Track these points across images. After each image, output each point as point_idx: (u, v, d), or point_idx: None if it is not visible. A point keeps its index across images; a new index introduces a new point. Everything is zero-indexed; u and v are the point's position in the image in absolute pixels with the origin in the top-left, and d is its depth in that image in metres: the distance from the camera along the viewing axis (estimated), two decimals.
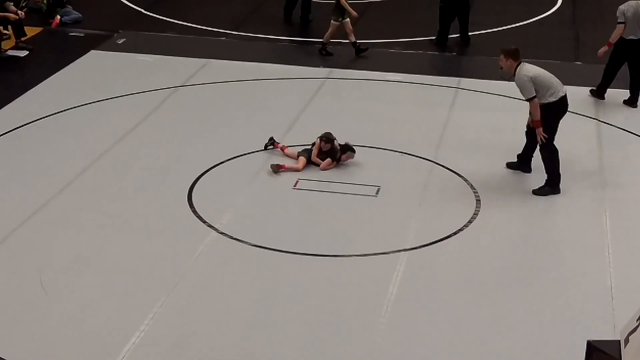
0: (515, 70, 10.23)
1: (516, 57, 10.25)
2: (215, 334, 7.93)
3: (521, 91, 10.25)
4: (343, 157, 11.07)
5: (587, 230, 9.82)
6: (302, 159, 11.04)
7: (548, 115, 10.29)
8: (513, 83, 10.51)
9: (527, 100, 10.26)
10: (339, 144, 11.12)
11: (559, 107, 10.38)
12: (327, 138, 11.06)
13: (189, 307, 8.30)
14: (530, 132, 10.67)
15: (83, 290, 8.51)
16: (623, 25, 12.89)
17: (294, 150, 11.26)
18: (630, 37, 13.00)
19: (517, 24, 17.14)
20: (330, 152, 11.04)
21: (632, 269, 9.04)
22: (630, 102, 13.33)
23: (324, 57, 15.04)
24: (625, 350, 5.93)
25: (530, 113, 10.43)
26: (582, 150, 11.56)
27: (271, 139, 11.49)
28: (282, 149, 11.36)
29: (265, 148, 11.42)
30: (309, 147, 11.19)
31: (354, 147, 11.16)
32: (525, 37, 16.49)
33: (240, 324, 8.08)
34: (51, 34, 16.25)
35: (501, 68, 10.37)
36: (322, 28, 15.71)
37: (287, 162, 11.04)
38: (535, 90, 10.17)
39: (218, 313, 8.23)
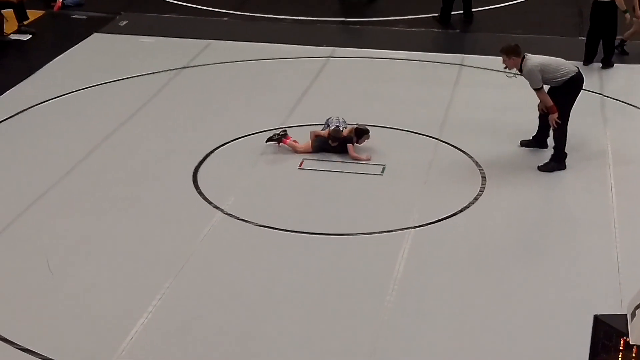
0: (521, 64, 10.23)
1: (518, 53, 10.25)
2: (222, 316, 7.94)
3: (530, 82, 10.27)
4: (360, 141, 10.89)
5: (593, 206, 9.81)
6: (307, 146, 10.85)
7: (564, 94, 10.35)
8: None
9: (535, 89, 10.27)
10: (353, 128, 10.92)
11: (574, 85, 10.41)
12: (335, 137, 10.81)
13: (196, 289, 8.32)
14: (544, 117, 10.67)
15: (89, 274, 8.53)
16: None
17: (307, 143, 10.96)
18: None
19: (520, 0, 17.06)
20: (347, 140, 10.82)
21: (638, 244, 9.03)
22: (605, 64, 13.48)
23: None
24: (632, 324, 5.93)
25: (541, 101, 10.46)
26: (587, 126, 11.53)
27: (284, 131, 11.06)
28: (294, 143, 10.93)
29: (271, 140, 10.94)
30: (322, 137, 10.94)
31: (366, 127, 10.99)
32: (528, 13, 16.43)
33: (246, 304, 8.09)
34: (53, 17, 16.22)
35: (505, 67, 10.36)
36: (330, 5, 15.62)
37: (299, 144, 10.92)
38: (548, 77, 10.24)
39: (225, 294, 8.24)
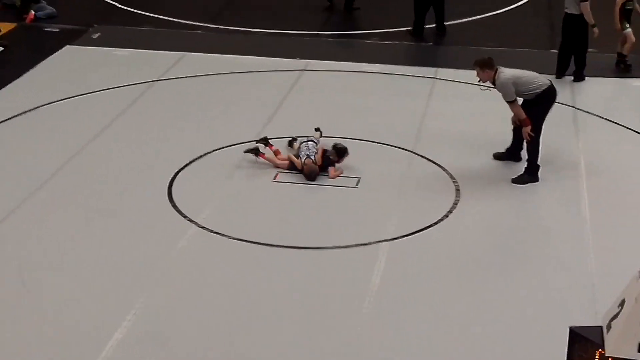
0: (495, 77, 10.29)
1: (491, 65, 10.32)
2: (198, 329, 7.90)
3: (503, 95, 10.34)
4: (340, 160, 10.75)
5: (567, 218, 9.87)
6: (286, 163, 10.74)
7: (537, 107, 10.42)
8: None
9: (508, 102, 10.34)
10: (324, 150, 10.77)
11: (547, 98, 10.49)
12: (311, 174, 10.53)
13: (170, 302, 8.27)
14: (517, 130, 10.73)
15: (63, 287, 8.46)
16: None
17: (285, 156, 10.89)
18: (570, 12, 13.50)
19: (493, 13, 17.18)
20: (326, 164, 10.66)
21: (612, 255, 9.09)
22: (576, 77, 13.63)
23: None
24: (607, 336, 5.97)
25: (514, 114, 10.52)
26: (560, 138, 11.61)
27: (265, 139, 11.00)
28: (276, 153, 10.87)
29: (249, 151, 10.89)
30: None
31: (345, 147, 10.82)
32: (501, 26, 16.56)
33: (222, 318, 8.06)
34: (26, 30, 16.11)
35: (479, 80, 10.43)
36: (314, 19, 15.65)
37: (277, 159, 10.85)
38: (521, 90, 10.31)
39: (200, 308, 8.20)
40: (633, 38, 13.90)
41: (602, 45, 14.73)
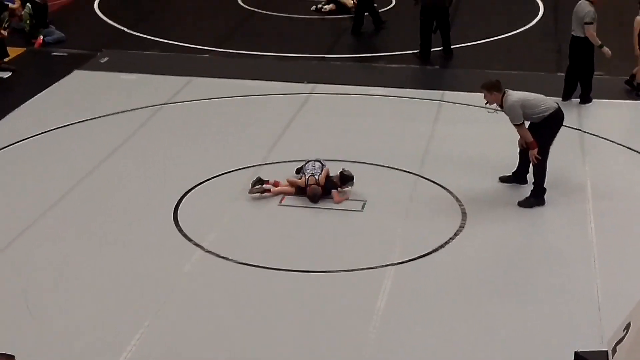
0: (502, 100, 10.31)
1: (499, 88, 10.33)
2: (203, 353, 7.89)
3: (511, 118, 10.34)
4: (343, 187, 10.71)
5: (573, 241, 9.85)
6: (292, 190, 10.72)
7: (544, 130, 10.43)
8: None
9: (515, 125, 10.34)
10: (328, 170, 10.77)
11: (554, 121, 10.50)
12: (313, 197, 10.54)
13: (176, 326, 8.27)
14: (524, 152, 10.74)
15: (70, 310, 8.47)
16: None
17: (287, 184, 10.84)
18: (576, 34, 13.53)
19: (500, 36, 17.22)
20: (329, 187, 10.67)
21: (618, 279, 9.06)
22: (583, 100, 13.60)
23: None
24: None
25: (521, 137, 10.53)
26: (566, 161, 11.60)
27: (259, 179, 10.78)
28: (275, 185, 10.79)
29: (253, 191, 10.68)
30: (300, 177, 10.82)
31: (351, 175, 10.78)
32: (508, 49, 16.59)
33: (228, 342, 8.05)
34: (34, 54, 16.21)
35: (487, 103, 10.44)
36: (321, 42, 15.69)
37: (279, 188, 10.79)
38: (528, 113, 10.32)
39: (206, 332, 8.20)
40: None
41: (609, 68, 14.77)
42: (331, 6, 18.87)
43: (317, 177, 10.66)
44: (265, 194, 10.72)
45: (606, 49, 13.46)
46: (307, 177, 10.68)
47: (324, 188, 10.65)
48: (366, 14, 17.43)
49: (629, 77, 14.21)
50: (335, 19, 18.58)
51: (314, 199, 10.59)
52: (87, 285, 8.91)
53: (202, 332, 8.20)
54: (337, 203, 10.59)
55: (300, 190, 10.73)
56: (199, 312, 8.52)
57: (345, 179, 10.78)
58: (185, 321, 8.37)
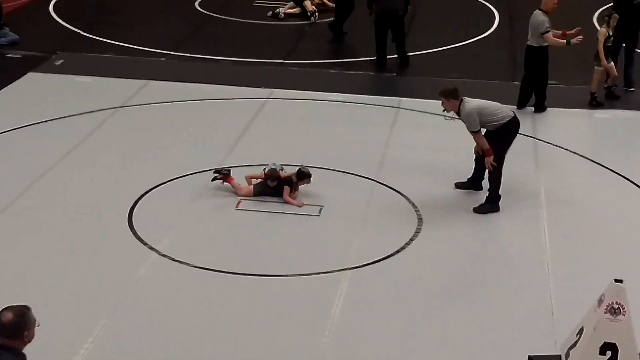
0: (460, 107, 10.39)
1: (456, 95, 10.41)
2: (156, 357, 7.82)
3: (467, 125, 10.43)
4: (299, 183, 10.83)
5: (527, 247, 9.94)
6: (248, 191, 10.79)
7: (500, 138, 10.52)
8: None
9: (472, 132, 10.43)
10: (293, 173, 10.83)
11: (510, 129, 10.59)
12: (272, 176, 10.75)
13: (130, 330, 8.20)
14: (480, 159, 10.82)
15: None
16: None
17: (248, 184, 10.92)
18: (531, 44, 13.70)
19: (455, 45, 17.36)
20: (285, 182, 10.77)
21: (571, 284, 9.16)
22: (537, 109, 13.80)
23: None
24: None
25: (477, 144, 10.61)
26: (521, 169, 11.71)
27: (228, 171, 10.90)
28: (234, 182, 10.86)
29: (216, 178, 10.88)
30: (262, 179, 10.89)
31: (309, 172, 10.88)
32: (463, 57, 16.72)
33: (182, 346, 8.00)
34: None
35: (444, 110, 10.51)
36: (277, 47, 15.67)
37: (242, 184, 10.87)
38: (485, 120, 10.40)
39: (159, 335, 8.13)
40: (615, 72, 14.18)
41: (564, 78, 14.96)
42: (295, 10, 18.88)
43: (277, 168, 10.77)
44: (225, 184, 10.76)
45: (574, 40, 13.42)
46: (268, 168, 10.78)
47: (281, 180, 10.70)
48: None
49: (605, 88, 14.35)
50: (292, 24, 18.60)
51: (272, 177, 10.65)
52: (39, 289, 8.78)
53: (157, 333, 8.13)
54: (285, 201, 10.60)
55: (258, 191, 10.73)
56: (153, 316, 8.45)
57: (302, 175, 10.81)
58: (140, 323, 8.30)
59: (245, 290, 8.93)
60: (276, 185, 10.77)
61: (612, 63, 14.13)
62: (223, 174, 10.87)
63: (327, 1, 19.19)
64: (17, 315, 5.69)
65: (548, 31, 13.42)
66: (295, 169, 10.94)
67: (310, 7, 18.76)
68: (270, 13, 18.96)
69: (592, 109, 14.07)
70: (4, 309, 5.67)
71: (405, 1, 15.93)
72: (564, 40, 13.56)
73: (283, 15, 18.78)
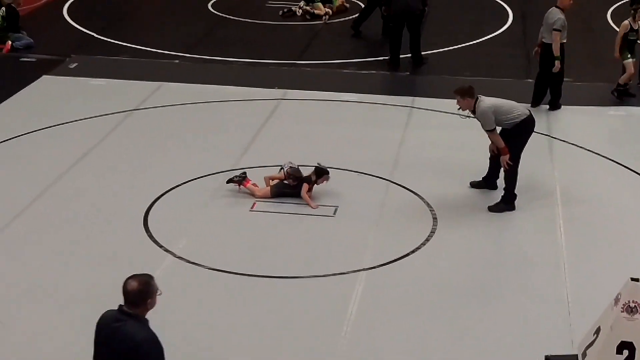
0: (475, 105, 10.35)
1: (472, 94, 10.37)
2: (173, 358, 7.83)
3: (483, 123, 10.40)
4: (319, 181, 10.82)
5: (543, 246, 9.90)
6: (266, 192, 10.79)
7: (516, 136, 10.48)
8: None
9: (487, 131, 10.39)
10: (314, 169, 10.82)
11: (526, 127, 10.56)
12: (294, 176, 10.73)
13: None
14: (495, 158, 10.79)
15: (37, 319, 8.38)
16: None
17: (265, 186, 10.91)
18: (546, 41, 13.58)
19: (469, 43, 17.32)
20: (306, 180, 10.76)
21: (587, 284, 9.12)
22: (552, 107, 13.70)
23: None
24: None
25: (492, 142, 10.58)
26: (536, 167, 11.67)
27: (244, 174, 10.95)
28: (253, 187, 10.83)
29: (231, 181, 10.87)
30: (279, 180, 10.89)
31: (326, 168, 10.90)
32: (477, 55, 16.68)
33: (198, 349, 8.01)
34: (2, 60, 16.06)
35: (459, 108, 10.47)
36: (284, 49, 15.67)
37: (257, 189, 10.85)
38: (501, 119, 10.36)
39: (176, 339, 8.14)
40: (632, 69, 13.97)
41: (578, 75, 14.89)
42: (307, 8, 18.85)
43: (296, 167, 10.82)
44: (241, 187, 10.75)
45: (557, 63, 13.37)
46: (285, 169, 10.78)
47: (302, 179, 10.72)
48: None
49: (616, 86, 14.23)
50: (306, 24, 18.60)
51: (295, 175, 10.67)
52: (55, 294, 8.81)
53: (172, 336, 8.13)
54: (302, 198, 10.61)
55: (276, 191, 10.72)
56: (169, 318, 8.44)
57: (321, 172, 10.79)
58: (156, 325, 8.28)
59: (260, 292, 8.93)
60: (296, 185, 10.74)
61: (630, 60, 13.94)
62: (237, 180, 10.86)
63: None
64: (141, 283, 6.01)
65: (560, 30, 13.32)
66: (309, 169, 10.93)
67: (322, 11, 18.76)
68: (281, 12, 18.95)
69: (615, 104, 13.89)
70: (128, 278, 5.99)
71: (422, 1, 15.87)
72: (558, 54, 13.39)
73: (300, 13, 18.76)
